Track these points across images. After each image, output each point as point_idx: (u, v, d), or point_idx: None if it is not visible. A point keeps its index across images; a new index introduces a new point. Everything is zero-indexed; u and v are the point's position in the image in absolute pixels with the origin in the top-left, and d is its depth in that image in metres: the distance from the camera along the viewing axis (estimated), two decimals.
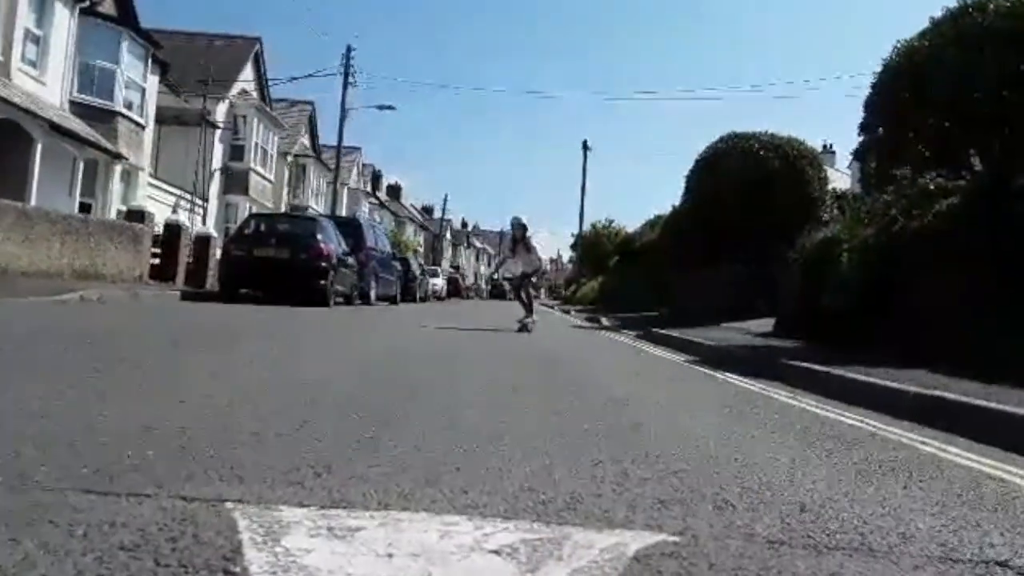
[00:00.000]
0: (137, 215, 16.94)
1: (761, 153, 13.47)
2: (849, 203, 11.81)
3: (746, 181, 12.91)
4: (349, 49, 31.05)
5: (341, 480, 2.01)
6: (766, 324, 10.11)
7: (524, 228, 11.75)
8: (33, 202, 14.57)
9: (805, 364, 5.89)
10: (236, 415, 2.86)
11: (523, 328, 10.66)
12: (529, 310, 11.28)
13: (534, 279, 12.22)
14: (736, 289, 12.59)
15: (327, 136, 36.28)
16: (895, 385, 4.59)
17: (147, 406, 2.89)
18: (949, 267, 6.63)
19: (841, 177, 25.13)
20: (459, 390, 4.18)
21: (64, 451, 2.09)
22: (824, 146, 32.15)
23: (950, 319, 6.36)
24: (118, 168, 18.99)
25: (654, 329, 11.03)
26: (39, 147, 15.32)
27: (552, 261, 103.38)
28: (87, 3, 17.80)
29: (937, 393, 4.25)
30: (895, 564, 1.69)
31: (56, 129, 15.68)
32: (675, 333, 9.82)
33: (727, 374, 6.08)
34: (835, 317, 8.05)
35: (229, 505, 1.70)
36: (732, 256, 13.00)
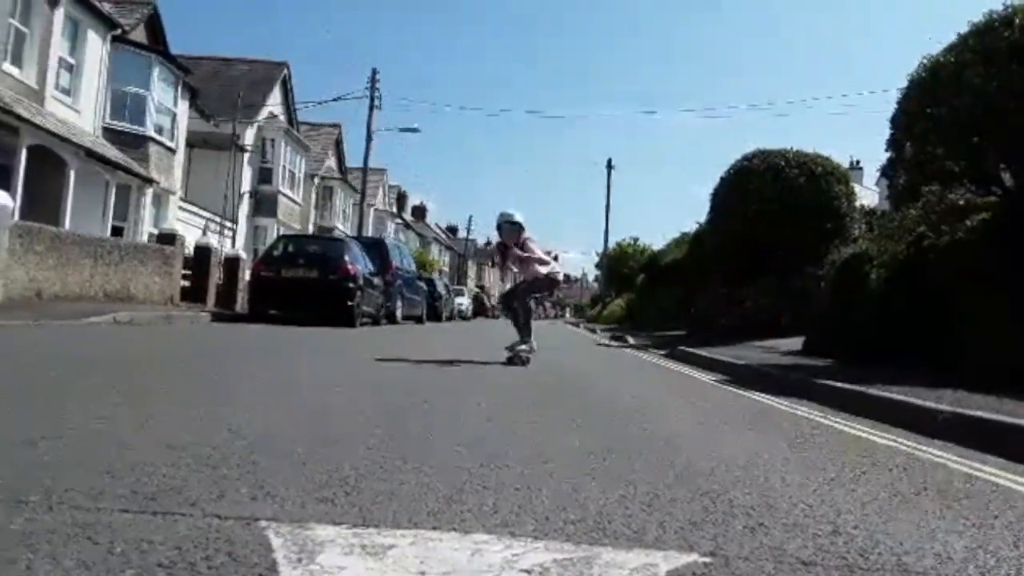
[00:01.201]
0: (168, 238, 17.23)
1: (787, 170, 13.37)
2: (877, 219, 11.70)
3: (772, 198, 12.83)
4: (375, 73, 31.46)
5: (370, 498, 2.02)
6: (794, 343, 10.01)
7: (517, 228, 8.45)
8: (67, 226, 14.87)
9: (835, 383, 5.82)
10: (268, 435, 2.89)
11: (515, 358, 7.76)
12: (525, 332, 8.13)
13: (538, 294, 9.12)
14: (763, 307, 12.48)
15: (353, 158, 36.72)
16: (927, 404, 4.52)
17: (180, 428, 2.93)
18: (979, 284, 6.54)
19: (869, 193, 24.91)
20: (483, 406, 4.18)
21: (99, 471, 2.13)
22: (851, 162, 31.89)
23: (982, 336, 6.27)
24: (149, 192, 19.32)
25: (681, 348, 10.96)
26: (73, 172, 15.64)
27: (576, 280, 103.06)
28: (119, 31, 18.23)
29: (970, 412, 4.18)
30: None
31: (89, 155, 16.01)
32: (702, 352, 9.75)
33: (756, 393, 6.02)
34: (864, 335, 7.97)
35: (262, 523, 1.72)
36: (759, 274, 12.91)
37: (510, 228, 8.44)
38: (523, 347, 7.93)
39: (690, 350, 10.32)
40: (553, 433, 3.45)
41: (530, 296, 8.65)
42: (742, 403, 5.58)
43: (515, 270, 8.85)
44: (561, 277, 9.08)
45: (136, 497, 1.87)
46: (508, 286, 11.66)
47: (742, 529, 1.98)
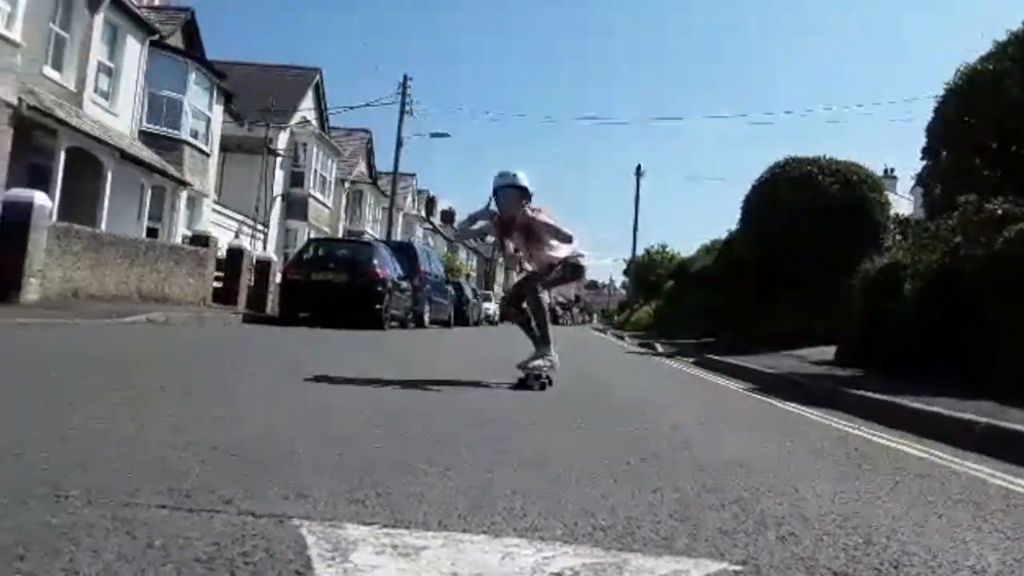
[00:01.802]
0: (202, 240, 17.50)
1: (820, 178, 13.24)
2: (912, 228, 11.52)
3: (804, 207, 12.70)
4: (405, 79, 31.66)
5: (401, 500, 2.04)
6: (824, 352, 9.90)
7: (521, 194, 5.98)
8: (103, 227, 15.15)
9: (867, 393, 5.75)
10: (304, 433, 2.92)
11: (529, 379, 5.54)
12: (542, 342, 5.84)
13: (558, 287, 6.76)
14: (794, 316, 12.35)
15: (383, 162, 37.01)
16: (963, 416, 4.45)
17: (216, 426, 2.98)
18: (1016, 295, 6.43)
19: (903, 202, 24.56)
20: (512, 414, 4.18)
21: (139, 467, 2.17)
22: (885, 170, 31.40)
23: (1017, 348, 6.16)
24: (184, 194, 19.63)
25: (710, 356, 10.89)
26: (109, 174, 15.94)
27: (604, 285, 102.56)
28: (157, 37, 18.57)
29: (1007, 425, 4.11)
30: None
31: (125, 157, 16.31)
32: (732, 360, 9.69)
33: (787, 403, 5.97)
34: (896, 345, 7.86)
35: (296, 522, 1.75)
36: (790, 283, 12.79)
37: (512, 195, 5.98)
38: (539, 362, 5.74)
39: (719, 358, 10.25)
40: (580, 439, 3.45)
41: (547, 290, 6.39)
42: (772, 412, 5.54)
43: (520, 255, 6.29)
44: (586, 262, 6.28)
45: (173, 494, 1.91)
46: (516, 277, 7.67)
47: (773, 539, 1.97)
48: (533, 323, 5.98)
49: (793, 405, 5.80)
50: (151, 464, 2.22)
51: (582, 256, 6.16)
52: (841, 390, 6.18)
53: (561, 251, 5.93)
